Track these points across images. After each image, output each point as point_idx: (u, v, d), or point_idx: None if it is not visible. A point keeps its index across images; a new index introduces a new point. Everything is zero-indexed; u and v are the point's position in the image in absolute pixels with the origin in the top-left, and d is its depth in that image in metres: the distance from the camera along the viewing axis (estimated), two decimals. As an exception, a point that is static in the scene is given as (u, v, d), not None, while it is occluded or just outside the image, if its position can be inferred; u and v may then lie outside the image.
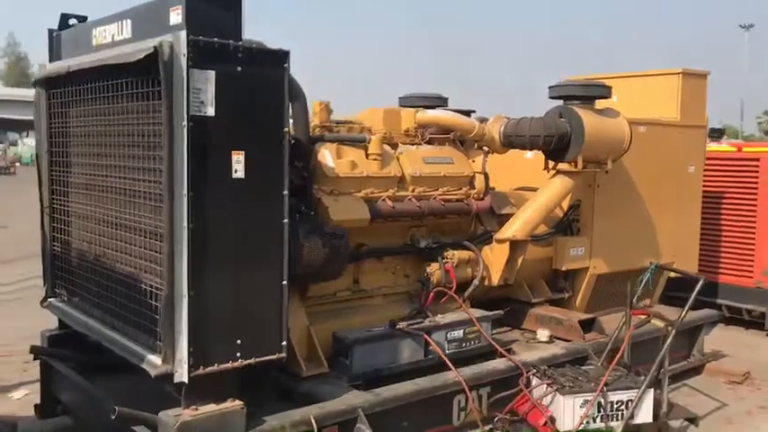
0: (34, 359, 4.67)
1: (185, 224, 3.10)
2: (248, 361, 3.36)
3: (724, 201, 7.66)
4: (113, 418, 3.34)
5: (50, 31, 4.46)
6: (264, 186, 3.36)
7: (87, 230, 4.10)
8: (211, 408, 3.32)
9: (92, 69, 3.70)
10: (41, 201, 4.53)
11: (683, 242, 6.34)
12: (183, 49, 3.05)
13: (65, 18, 4.42)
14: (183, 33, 3.05)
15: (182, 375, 3.19)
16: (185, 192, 3.08)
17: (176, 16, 3.19)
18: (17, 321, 7.34)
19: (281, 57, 3.36)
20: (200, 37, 3.09)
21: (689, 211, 6.44)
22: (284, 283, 3.46)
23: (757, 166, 7.50)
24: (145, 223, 3.38)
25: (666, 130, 6.08)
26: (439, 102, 5.73)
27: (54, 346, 4.59)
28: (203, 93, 3.12)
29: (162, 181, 3.15)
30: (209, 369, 3.23)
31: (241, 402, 3.40)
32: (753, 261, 7.51)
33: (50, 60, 4.46)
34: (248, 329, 3.36)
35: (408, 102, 5.73)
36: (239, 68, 3.22)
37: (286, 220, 3.43)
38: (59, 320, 4.66)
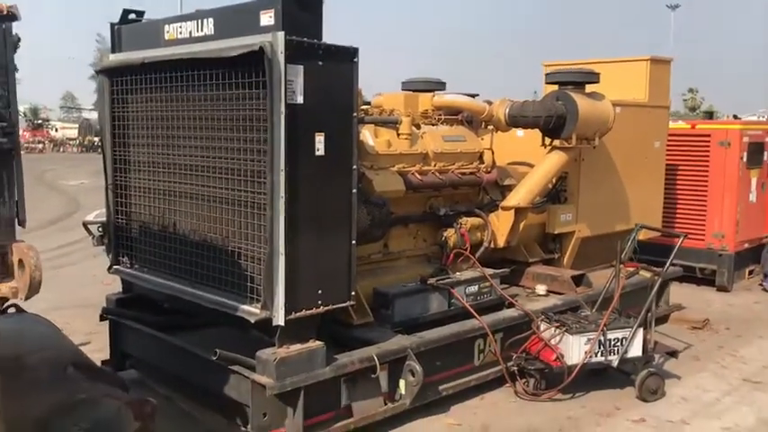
0: (101, 320, 5.20)
1: (282, 194, 3.73)
2: (327, 307, 4.03)
3: (679, 172, 8.60)
4: (214, 359, 3.97)
5: (112, 25, 4.93)
6: (339, 162, 4.02)
7: (162, 203, 4.64)
8: (299, 347, 3.99)
9: (177, 60, 4.22)
10: (106, 178, 5.04)
11: (651, 209, 7.23)
12: (281, 47, 3.66)
13: (125, 13, 4.91)
14: (282, 34, 3.66)
15: (278, 319, 3.84)
16: (282, 167, 3.71)
17: (268, 18, 3.79)
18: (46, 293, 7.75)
19: (352, 53, 4.00)
20: (293, 37, 3.70)
21: (655, 182, 7.34)
22: (353, 242, 4.13)
23: (708, 142, 8.47)
24: (242, 195, 3.97)
25: (637, 110, 6.93)
26: (439, 86, 6.42)
27: (120, 308, 5.13)
28: (295, 84, 3.74)
29: (263, 159, 3.76)
30: (298, 314, 3.89)
31: (322, 342, 4.07)
32: (704, 225, 8.49)
33: (112, 52, 4.94)
34: (327, 281, 4.03)
35: (411, 86, 6.39)
36: (320, 63, 3.85)
37: (354, 190, 4.10)
38: (123, 284, 5.21)
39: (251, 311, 3.90)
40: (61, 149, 46.69)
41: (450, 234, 5.56)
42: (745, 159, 8.41)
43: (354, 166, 4.08)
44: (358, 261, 5.08)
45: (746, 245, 8.67)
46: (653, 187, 7.32)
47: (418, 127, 5.50)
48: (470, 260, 5.52)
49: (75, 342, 6.23)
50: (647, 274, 5.53)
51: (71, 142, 48.50)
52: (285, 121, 3.69)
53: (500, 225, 5.77)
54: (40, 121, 55.43)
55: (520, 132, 6.40)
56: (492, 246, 5.79)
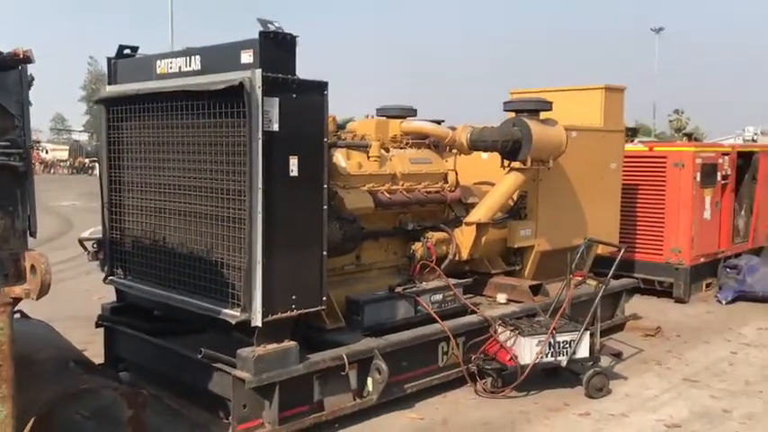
0: (97, 326, 5.68)
1: (260, 211, 4.26)
2: (300, 311, 4.55)
3: (639, 191, 9.20)
4: (200, 357, 4.48)
5: (109, 60, 5.48)
6: (311, 181, 4.55)
7: (152, 219, 5.16)
8: (275, 346, 4.49)
9: (167, 92, 4.76)
10: (102, 197, 5.54)
11: (607, 226, 7.80)
12: (258, 82, 4.21)
13: (121, 48, 5.45)
14: (259, 71, 4.21)
15: (256, 321, 4.35)
16: (260, 187, 4.24)
17: (248, 57, 4.34)
18: (32, 308, 8.20)
19: (323, 86, 4.56)
20: (269, 73, 4.25)
21: (611, 201, 7.92)
22: (324, 253, 4.66)
23: (665, 163, 9.08)
24: (223, 212, 4.49)
25: (593, 134, 7.52)
26: (411, 112, 7.01)
27: (114, 316, 5.62)
28: (271, 114, 4.29)
29: (243, 179, 4.29)
30: (274, 316, 4.40)
31: (295, 342, 4.58)
32: (662, 241, 9.07)
33: (109, 83, 5.48)
34: (300, 288, 4.54)
35: (385, 112, 6.98)
36: (294, 95, 4.40)
37: (325, 207, 4.63)
38: (117, 293, 5.70)
39: (232, 314, 4.41)
40: (52, 171, 47.04)
41: (418, 247, 6.09)
42: (698, 179, 9.02)
43: (325, 186, 4.62)
44: (332, 272, 5.64)
45: (702, 259, 9.25)
46: (609, 205, 7.89)
47: (387, 150, 6.07)
48: (436, 271, 6.05)
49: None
50: (594, 283, 6.07)
51: (62, 164, 48.87)
52: (262, 146, 4.23)
53: (464, 239, 6.30)
54: (30, 144, 55.68)
55: (484, 155, 6.98)
56: (456, 258, 6.32)
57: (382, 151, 5.91)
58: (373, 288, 5.73)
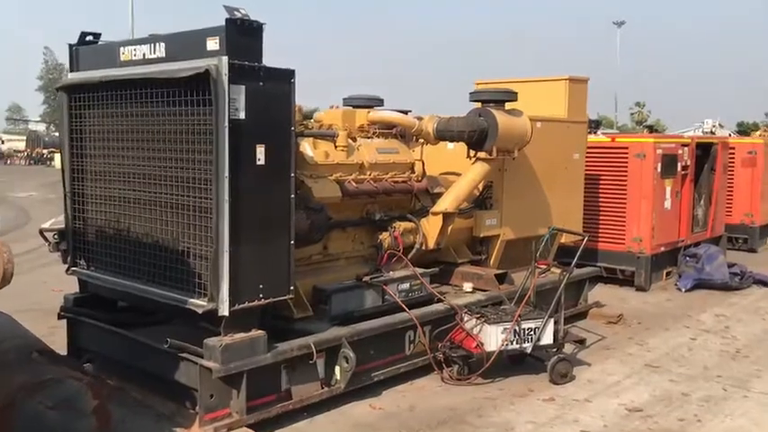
0: (59, 318, 5.58)
1: (226, 199, 4.23)
2: (268, 300, 4.54)
3: (601, 182, 9.35)
4: (166, 347, 4.45)
5: (71, 46, 5.37)
6: (278, 170, 4.53)
7: (116, 209, 5.08)
8: (242, 335, 4.47)
9: (131, 80, 4.69)
10: (64, 186, 5.45)
11: (571, 215, 7.91)
12: (225, 69, 4.17)
13: (83, 35, 5.35)
14: (226, 58, 4.17)
15: (223, 310, 4.33)
16: (227, 175, 4.22)
17: (214, 44, 4.30)
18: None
19: (290, 74, 4.53)
20: (236, 61, 4.22)
21: (575, 190, 8.03)
22: (291, 242, 4.65)
23: (626, 154, 9.24)
24: (190, 200, 4.45)
25: (556, 125, 7.61)
26: (377, 102, 7.00)
27: (77, 307, 5.53)
28: (237, 102, 4.26)
29: (209, 168, 4.26)
30: (242, 306, 4.38)
31: (263, 331, 4.57)
32: (624, 231, 9.24)
33: (71, 71, 5.38)
34: (267, 277, 4.53)
35: (351, 102, 6.96)
36: (261, 83, 4.37)
37: (293, 196, 4.62)
38: (80, 284, 5.61)
39: (199, 304, 4.38)
40: (8, 162, 45.99)
41: (385, 237, 6.11)
42: (659, 170, 9.20)
43: (292, 174, 4.60)
44: (299, 261, 5.63)
45: (662, 248, 9.45)
46: (573, 195, 8.00)
47: (355, 140, 6.06)
48: (403, 261, 6.08)
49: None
50: (557, 271, 6.17)
51: (18, 154, 47.79)
52: (228, 134, 4.20)
53: (430, 229, 6.34)
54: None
55: (450, 145, 7.01)
56: (423, 248, 6.36)
57: (349, 141, 5.91)
58: (341, 278, 5.73)
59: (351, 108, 6.53)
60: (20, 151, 48.47)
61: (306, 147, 5.56)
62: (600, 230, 9.31)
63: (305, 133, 5.59)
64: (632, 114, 74.88)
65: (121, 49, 4.96)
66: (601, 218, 9.37)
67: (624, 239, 9.26)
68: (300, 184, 5.36)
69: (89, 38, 5.35)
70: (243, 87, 4.28)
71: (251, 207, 4.39)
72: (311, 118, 6.41)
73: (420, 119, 6.43)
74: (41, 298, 7.56)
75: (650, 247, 9.17)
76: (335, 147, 5.76)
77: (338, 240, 5.96)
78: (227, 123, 4.20)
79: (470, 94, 6.59)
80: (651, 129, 18.13)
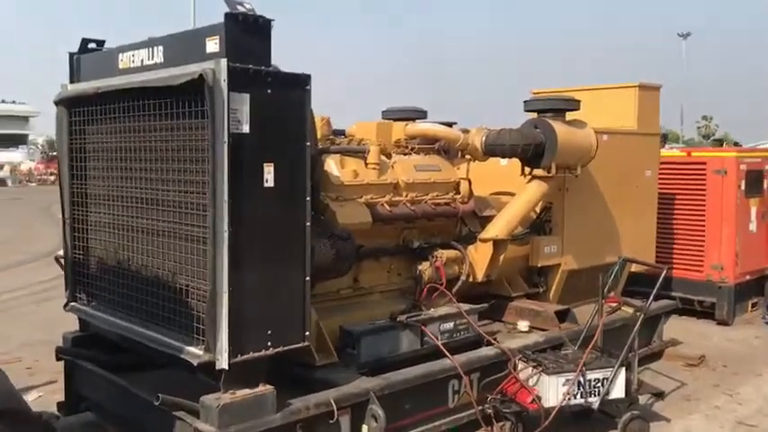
0: (57, 359, 4.98)
1: (226, 228, 3.52)
2: (277, 349, 3.79)
3: (676, 201, 8.35)
4: (157, 404, 3.74)
5: (71, 54, 4.80)
6: (290, 193, 3.81)
7: (115, 238, 4.45)
8: (246, 392, 3.73)
9: (127, 90, 4.06)
10: (63, 212, 4.86)
11: (642, 240, 6.97)
12: (223, 75, 3.48)
13: (85, 42, 4.77)
14: (224, 61, 3.48)
15: (222, 363, 3.60)
16: (226, 200, 3.51)
17: (213, 45, 3.62)
18: (10, 329, 7.60)
19: (304, 80, 3.81)
20: (238, 64, 3.52)
21: (646, 212, 7.08)
22: (307, 279, 3.91)
23: (704, 170, 8.23)
24: (185, 229, 3.77)
25: (626, 138, 6.70)
26: (419, 114, 6.24)
27: (77, 347, 4.92)
28: (240, 113, 3.56)
29: (206, 191, 3.56)
30: (245, 357, 3.65)
31: (272, 387, 3.82)
32: (703, 256, 8.22)
33: (71, 81, 4.80)
34: (277, 321, 3.79)
35: (390, 114, 6.22)
36: (269, 91, 3.66)
37: (308, 223, 3.88)
38: (80, 322, 5.00)
39: (195, 353, 3.67)
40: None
41: (425, 268, 5.33)
42: (743, 188, 8.15)
43: (307, 198, 3.87)
44: (324, 297, 4.91)
45: (748, 276, 8.38)
46: (645, 217, 7.05)
47: (389, 156, 5.31)
48: (446, 295, 5.27)
49: (41, 381, 6.10)
50: (630, 310, 5.24)
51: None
52: (228, 151, 3.50)
53: (478, 258, 5.53)
54: (54, 153, 55.87)
55: (502, 161, 6.19)
56: (470, 280, 5.55)
57: (383, 157, 5.15)
58: (373, 315, 4.96)
59: (388, 121, 5.77)
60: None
61: (331, 165, 4.84)
62: (675, 256, 8.30)
63: (330, 149, 4.87)
64: (699, 128, 72.26)
65: (120, 55, 4.35)
66: (675, 242, 8.36)
67: (703, 267, 8.22)
68: (324, 209, 4.63)
69: (91, 45, 4.78)
70: (246, 96, 3.57)
71: (256, 237, 3.67)
72: (343, 133, 5.68)
73: (466, 131, 5.65)
74: (66, 329, 7.07)
75: (733, 275, 8.11)
76: (366, 165, 5.01)
77: (371, 272, 5.20)
78: (226, 138, 3.49)
79: (525, 102, 5.76)
80: (721, 143, 16.81)
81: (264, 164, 3.68)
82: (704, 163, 8.27)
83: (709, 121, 72.58)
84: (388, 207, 5.02)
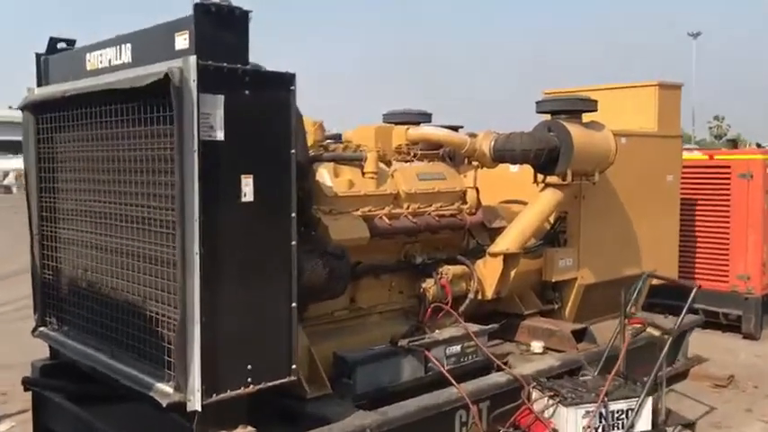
0: (25, 390, 4.55)
1: (197, 249, 3.07)
2: (259, 386, 3.34)
3: (698, 207, 7.87)
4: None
5: (38, 56, 4.38)
6: (273, 209, 3.36)
7: (84, 258, 4.02)
8: (224, 435, 3.28)
9: (91, 94, 3.63)
10: (30, 227, 4.44)
11: (664, 250, 6.49)
12: (192, 74, 3.04)
13: (53, 42, 4.35)
14: (193, 58, 3.04)
15: (194, 404, 3.15)
16: (197, 218, 3.06)
17: (183, 41, 3.18)
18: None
19: (288, 79, 3.37)
20: (210, 62, 3.08)
21: (668, 220, 6.59)
22: (293, 305, 3.45)
23: (729, 174, 7.74)
24: (153, 250, 3.34)
25: (646, 140, 6.22)
26: (423, 118, 5.78)
27: (46, 377, 4.49)
28: (212, 117, 3.11)
29: (173, 207, 3.12)
30: (220, 396, 3.20)
31: (253, 429, 3.37)
32: (728, 266, 7.75)
33: (38, 85, 4.38)
34: (258, 354, 3.34)
35: (392, 118, 5.76)
36: (247, 92, 3.22)
37: (294, 243, 3.43)
38: (50, 349, 4.57)
39: (164, 392, 3.23)
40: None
41: (429, 285, 4.86)
42: (770, 193, 7.66)
43: (293, 214, 3.42)
44: (318, 320, 4.46)
45: (776, 287, 7.86)
46: (666, 226, 6.56)
47: (389, 164, 4.85)
48: (453, 315, 4.81)
49: (13, 410, 5.69)
50: (656, 333, 4.75)
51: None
52: (199, 161, 3.05)
53: (488, 273, 5.06)
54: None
55: (513, 168, 5.73)
56: (479, 297, 5.08)
57: (382, 165, 4.69)
58: (372, 339, 4.51)
59: (387, 125, 5.32)
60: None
61: (324, 174, 4.38)
62: (698, 266, 7.83)
63: (322, 157, 4.42)
64: (710, 128, 71.58)
65: (87, 55, 3.92)
66: (698, 251, 7.89)
67: (728, 277, 7.75)
68: (316, 223, 4.18)
69: (61, 45, 4.36)
70: (220, 98, 3.13)
71: (233, 260, 3.22)
72: (340, 139, 5.23)
73: (473, 136, 5.17)
74: (47, 351, 6.67)
75: (761, 286, 7.64)
76: (363, 173, 4.55)
77: (369, 290, 4.73)
78: (196, 147, 3.05)
79: (537, 104, 5.29)
80: (735, 143, 16.24)
81: (242, 175, 3.23)
82: (728, 166, 7.80)
83: (720, 121, 71.94)
84: (387, 220, 4.56)
